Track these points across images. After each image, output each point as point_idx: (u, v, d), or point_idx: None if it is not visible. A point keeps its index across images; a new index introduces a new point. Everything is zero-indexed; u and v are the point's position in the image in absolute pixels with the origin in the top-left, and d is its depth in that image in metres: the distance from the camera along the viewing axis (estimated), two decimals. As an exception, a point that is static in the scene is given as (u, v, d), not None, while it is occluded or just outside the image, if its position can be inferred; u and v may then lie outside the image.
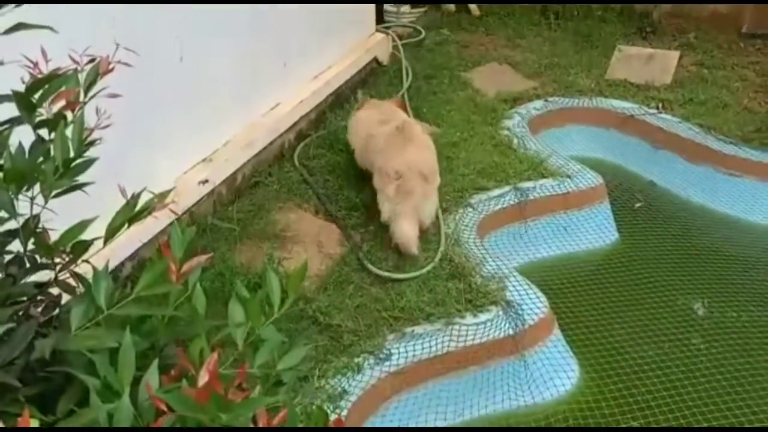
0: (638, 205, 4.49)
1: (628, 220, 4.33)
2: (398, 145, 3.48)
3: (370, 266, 3.29)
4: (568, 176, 4.15)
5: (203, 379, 0.93)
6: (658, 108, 4.91)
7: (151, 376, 1.05)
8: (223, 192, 3.58)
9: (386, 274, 3.26)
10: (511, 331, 3.07)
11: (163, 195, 1.25)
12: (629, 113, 4.89)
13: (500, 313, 3.10)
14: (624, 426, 2.97)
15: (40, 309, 1.31)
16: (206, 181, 3.37)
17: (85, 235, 1.25)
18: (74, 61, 1.28)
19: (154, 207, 1.23)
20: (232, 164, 3.59)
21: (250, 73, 3.79)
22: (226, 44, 3.53)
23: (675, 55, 5.55)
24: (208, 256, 1.29)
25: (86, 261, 1.22)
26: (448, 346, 2.96)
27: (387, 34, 5.57)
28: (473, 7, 6.59)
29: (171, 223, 3.02)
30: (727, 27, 5.95)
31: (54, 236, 1.28)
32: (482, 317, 3.07)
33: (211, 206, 3.48)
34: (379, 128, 3.67)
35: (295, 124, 4.18)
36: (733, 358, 3.30)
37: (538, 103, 5.03)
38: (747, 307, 3.62)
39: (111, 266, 2.69)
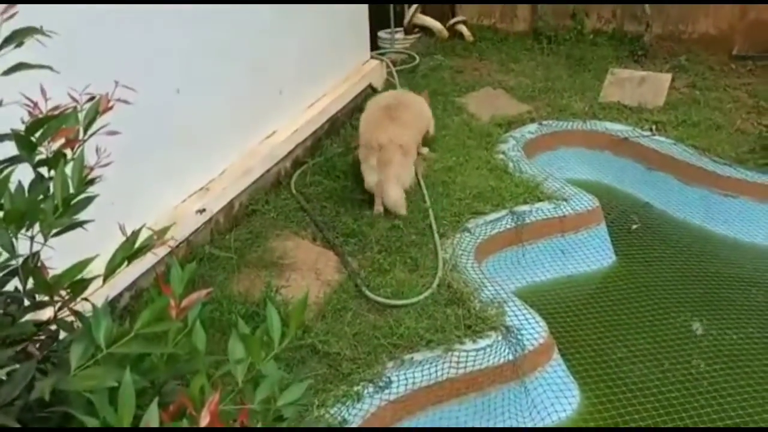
0: (635, 226, 4.51)
1: (625, 241, 4.34)
2: (383, 122, 4.03)
3: (368, 293, 3.29)
4: (564, 199, 4.16)
5: (205, 420, 0.93)
6: (651, 130, 4.95)
7: (151, 416, 1.04)
8: (221, 220, 3.58)
9: (384, 300, 3.25)
10: (510, 357, 3.06)
11: (162, 231, 1.25)
12: (623, 135, 4.93)
13: (500, 338, 3.09)
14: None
15: (38, 345, 1.30)
16: (203, 210, 3.37)
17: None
18: (74, 100, 1.29)
19: (153, 244, 1.23)
20: (229, 193, 3.60)
21: (247, 102, 3.82)
22: (222, 75, 3.56)
23: (667, 77, 5.61)
24: (207, 291, 1.29)
25: (85, 299, 1.22)
26: (448, 373, 2.95)
27: (381, 60, 5.62)
28: (466, 32, 6.67)
29: (169, 253, 3.04)
30: (717, 49, 6.03)
31: (53, 267, 1.28)
32: (482, 343, 3.06)
33: (208, 235, 3.48)
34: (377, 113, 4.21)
35: (291, 151, 4.21)
36: (733, 380, 3.29)
37: (533, 127, 5.07)
38: (746, 327, 3.62)
39: (109, 297, 2.69)
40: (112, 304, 2.86)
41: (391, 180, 3.82)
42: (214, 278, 3.21)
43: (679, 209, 4.55)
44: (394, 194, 3.83)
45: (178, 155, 3.30)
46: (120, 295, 2.89)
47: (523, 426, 3.07)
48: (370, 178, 3.88)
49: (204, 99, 3.43)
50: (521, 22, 6.79)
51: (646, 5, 6.00)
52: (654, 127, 4.98)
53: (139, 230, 1.26)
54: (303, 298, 1.27)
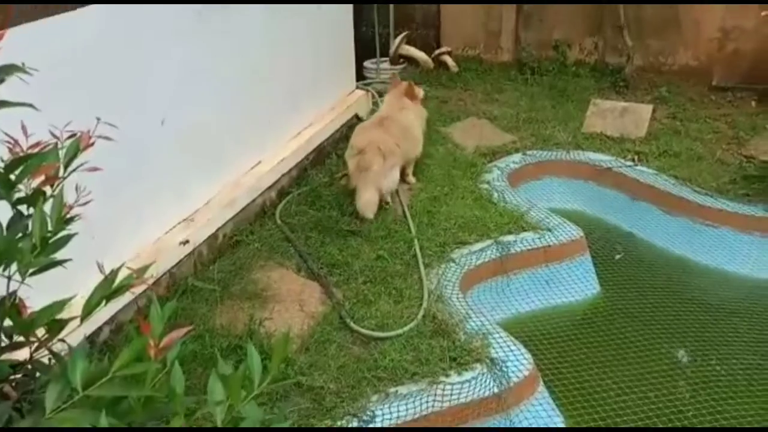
0: (618, 256, 4.53)
1: (609, 271, 4.35)
2: (370, 129, 4.33)
3: (352, 324, 3.27)
4: (549, 229, 4.18)
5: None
6: (634, 160, 5.01)
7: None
8: (204, 252, 3.55)
9: (369, 332, 3.23)
10: (496, 390, 3.04)
11: (141, 270, 1.23)
12: (606, 165, 4.98)
13: (485, 371, 3.07)
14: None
15: (14, 384, 1.28)
16: (187, 241, 3.35)
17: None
18: (54, 137, 1.28)
19: (132, 284, 1.21)
20: (213, 224, 3.59)
21: (232, 133, 3.83)
22: (207, 106, 3.57)
23: (648, 108, 5.70)
24: (187, 329, 1.28)
25: (62, 340, 1.20)
26: (433, 406, 2.92)
27: (367, 91, 5.67)
28: (451, 63, 6.76)
29: (150, 287, 3.01)
30: (697, 81, 6.15)
31: (30, 306, 1.27)
32: (467, 375, 3.04)
33: (191, 266, 3.45)
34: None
35: (276, 181, 4.20)
36: (719, 406, 3.28)
37: (517, 157, 5.11)
38: (730, 357, 3.62)
39: (88, 332, 2.65)
40: (91, 338, 2.82)
41: (368, 183, 4.02)
42: (196, 311, 3.17)
43: (662, 239, 4.58)
44: (365, 196, 4.03)
45: (162, 186, 3.29)
46: (99, 329, 2.84)
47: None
48: (351, 180, 4.13)
49: (189, 130, 3.43)
50: (505, 53, 6.90)
51: (627, 37, 6.12)
52: (636, 157, 5.04)
53: (118, 269, 1.25)
54: (284, 337, 1.26)
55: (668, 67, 6.40)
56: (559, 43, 6.65)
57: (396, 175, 4.25)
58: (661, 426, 3.18)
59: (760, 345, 3.70)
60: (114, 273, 1.23)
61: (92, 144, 1.32)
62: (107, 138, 1.39)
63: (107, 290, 1.19)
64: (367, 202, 4.04)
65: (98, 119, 1.36)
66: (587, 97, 5.99)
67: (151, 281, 1.30)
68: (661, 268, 4.40)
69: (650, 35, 6.34)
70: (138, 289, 1.46)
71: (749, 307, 4.02)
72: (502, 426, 3.06)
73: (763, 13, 5.28)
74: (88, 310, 1.19)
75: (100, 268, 1.24)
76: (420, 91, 4.96)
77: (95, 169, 1.34)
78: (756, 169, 4.76)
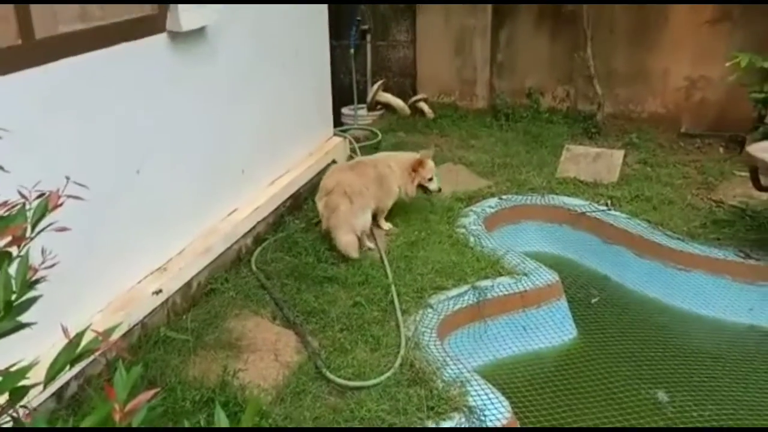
0: (595, 300, 4.55)
1: (585, 315, 4.37)
2: (339, 171, 4.47)
3: (328, 374, 3.22)
4: (525, 274, 4.20)
5: None
6: (607, 205, 5.09)
7: None
8: (178, 301, 3.51)
9: (345, 382, 3.18)
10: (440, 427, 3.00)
11: (107, 332, 1.22)
12: (580, 210, 5.05)
13: (462, 420, 3.03)
14: None
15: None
16: (160, 290, 3.31)
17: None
18: (23, 196, 1.28)
19: (97, 348, 1.19)
20: (187, 272, 3.55)
21: (208, 181, 3.83)
22: (183, 155, 3.58)
23: (620, 154, 5.82)
24: (154, 392, 1.26)
25: (24, 407, 1.17)
26: (411, 458, 2.87)
27: (345, 137, 5.72)
28: (427, 109, 6.87)
29: (125, 334, 2.95)
30: (666, 127, 6.33)
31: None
32: (444, 425, 3.00)
33: (164, 316, 3.40)
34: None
35: (252, 228, 4.19)
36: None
37: (493, 201, 5.17)
38: (708, 399, 3.63)
39: (55, 387, 2.59)
40: (59, 393, 2.75)
41: (339, 225, 4.13)
42: (168, 362, 3.11)
43: (636, 282, 4.63)
44: (342, 239, 4.12)
45: (136, 235, 3.26)
46: (67, 384, 2.77)
47: None
48: (323, 222, 4.24)
49: (164, 179, 3.43)
50: (480, 100, 7.04)
51: (597, 86, 6.28)
52: (609, 201, 5.13)
53: (83, 332, 1.23)
54: (254, 404, 1.24)
55: (638, 115, 6.58)
56: (532, 91, 6.82)
57: (367, 216, 4.32)
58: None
59: (734, 389, 3.71)
60: (79, 337, 1.21)
61: (61, 204, 1.31)
62: (77, 197, 1.38)
63: (71, 354, 1.17)
64: (347, 243, 4.11)
65: (67, 178, 1.36)
66: (561, 143, 6.11)
67: (119, 342, 1.28)
68: (637, 312, 4.43)
69: (620, 84, 6.53)
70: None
71: (723, 351, 4.05)
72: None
73: (727, 64, 5.46)
74: (52, 375, 1.17)
75: (65, 331, 1.22)
76: (428, 171, 4.73)
77: (63, 229, 1.33)
78: (725, 213, 4.86)
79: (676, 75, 6.32)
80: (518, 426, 3.23)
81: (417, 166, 4.65)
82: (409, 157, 4.73)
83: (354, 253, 4.14)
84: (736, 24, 5.89)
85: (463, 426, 3.00)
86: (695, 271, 4.44)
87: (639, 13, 6.30)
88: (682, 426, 3.40)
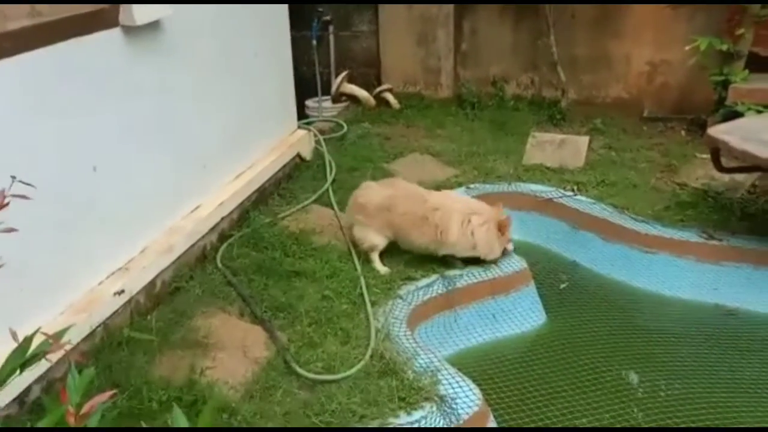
0: (563, 285, 4.58)
1: (555, 300, 4.39)
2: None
3: (297, 368, 3.18)
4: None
5: None
6: (573, 190, 5.12)
7: None
8: (141, 300, 3.43)
9: (315, 376, 3.15)
10: (445, 428, 3.00)
11: (58, 335, 1.17)
12: (548, 196, 5.08)
13: (434, 409, 3.02)
14: None
15: None
16: (122, 291, 3.23)
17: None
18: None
19: (47, 350, 1.15)
20: (150, 271, 3.47)
21: (169, 178, 3.74)
22: (142, 151, 3.49)
23: (585, 139, 5.86)
24: (110, 394, 1.22)
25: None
26: (382, 449, 2.85)
27: (309, 130, 5.67)
28: (392, 100, 6.84)
29: (87, 336, 2.88)
30: (629, 112, 6.39)
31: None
32: (416, 415, 2.98)
33: (128, 317, 3.32)
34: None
35: (216, 224, 4.12)
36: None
37: (460, 190, 5.16)
38: (676, 377, 3.68)
39: (17, 392, 2.52)
40: (21, 398, 2.68)
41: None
42: (133, 363, 3.04)
43: (604, 266, 4.66)
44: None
45: (95, 235, 3.17)
46: (29, 388, 2.69)
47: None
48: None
49: (123, 176, 3.34)
50: (445, 89, 7.03)
51: (561, 73, 6.31)
52: (576, 187, 5.16)
53: (32, 336, 1.18)
54: (213, 402, 1.20)
55: (602, 100, 6.63)
56: (496, 79, 6.83)
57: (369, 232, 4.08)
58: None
59: (701, 367, 3.78)
60: (28, 340, 1.16)
61: (6, 204, 1.26)
62: (23, 197, 1.32)
63: (20, 359, 1.12)
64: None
65: (13, 178, 1.30)
66: (526, 130, 6.12)
67: (68, 347, 1.23)
68: (605, 295, 4.46)
69: (583, 70, 6.56)
70: (73, 338, 1.39)
71: (690, 331, 4.11)
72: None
73: (687, 48, 5.53)
74: (2, 379, 1.12)
75: (14, 335, 1.17)
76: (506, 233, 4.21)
77: (11, 230, 1.28)
78: (688, 195, 4.92)
79: (637, 60, 6.39)
80: (490, 413, 3.23)
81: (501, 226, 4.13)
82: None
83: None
84: (695, 8, 5.96)
85: (433, 413, 3.00)
86: (661, 253, 4.49)
87: (600, -1, 6.34)
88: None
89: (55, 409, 1.14)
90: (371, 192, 4.16)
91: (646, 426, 3.34)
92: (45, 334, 1.21)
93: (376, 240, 4.08)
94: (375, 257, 4.11)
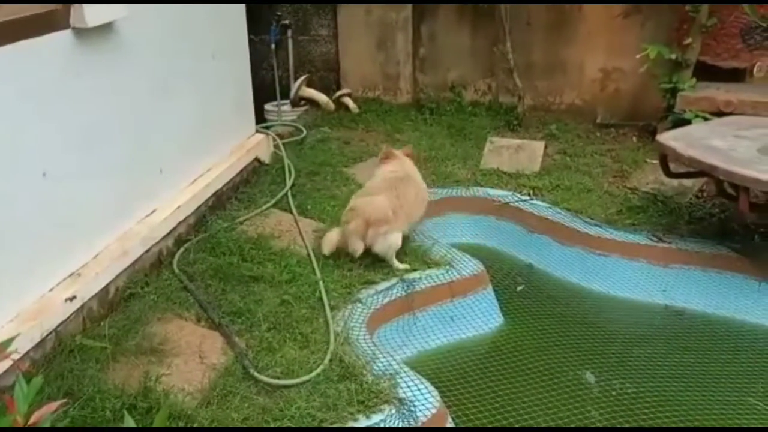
0: (520, 288, 4.66)
1: (511, 303, 4.47)
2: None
3: (256, 374, 3.16)
4: (451, 265, 4.26)
5: None
6: (529, 194, 5.21)
7: None
8: (94, 307, 3.36)
9: (273, 381, 3.13)
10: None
11: (5, 343, 1.14)
12: (504, 200, 5.16)
13: (393, 412, 3.04)
14: None
15: None
16: (74, 297, 3.15)
17: None
18: None
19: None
20: (103, 277, 3.40)
21: (123, 182, 3.67)
22: (94, 155, 3.42)
23: (540, 144, 5.98)
24: (59, 403, 1.20)
25: None
26: (342, 453, 2.85)
27: (268, 134, 5.64)
28: (352, 104, 6.85)
29: (38, 344, 2.81)
30: (583, 118, 6.55)
31: None
32: (375, 418, 2.99)
33: (80, 324, 3.25)
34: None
35: (173, 229, 4.06)
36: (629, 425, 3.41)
37: (418, 195, 5.19)
38: (628, 376, 3.77)
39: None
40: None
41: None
42: (85, 371, 2.97)
43: (559, 269, 4.76)
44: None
45: (45, 241, 3.09)
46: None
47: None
48: None
49: (73, 181, 3.27)
50: (404, 94, 7.08)
51: (517, 79, 6.42)
52: (532, 191, 5.26)
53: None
54: (165, 409, 1.19)
55: (557, 106, 6.78)
56: (455, 85, 6.92)
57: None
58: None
59: (651, 364, 3.89)
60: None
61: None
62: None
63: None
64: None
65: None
66: (484, 135, 6.21)
67: (15, 356, 1.21)
68: (560, 297, 4.56)
69: (539, 77, 6.70)
70: (22, 345, 1.36)
71: (641, 330, 4.24)
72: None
73: (637, 56, 5.69)
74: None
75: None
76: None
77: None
78: (639, 200, 5.07)
79: (591, 67, 6.55)
80: (448, 415, 3.26)
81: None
82: None
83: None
84: (645, 17, 6.14)
85: (392, 415, 3.01)
86: (613, 256, 4.61)
87: (554, 7, 6.47)
88: (645, 422, 3.48)
89: (2, 419, 1.12)
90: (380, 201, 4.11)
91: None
92: (-11, 341, 1.19)
93: (400, 240, 4.15)
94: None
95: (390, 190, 4.19)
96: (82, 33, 3.22)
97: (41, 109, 3.02)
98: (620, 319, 4.37)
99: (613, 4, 6.12)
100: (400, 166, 4.49)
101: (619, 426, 3.42)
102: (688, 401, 3.58)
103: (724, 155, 4.13)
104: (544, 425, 3.42)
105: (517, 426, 3.42)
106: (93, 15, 3.19)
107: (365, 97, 7.12)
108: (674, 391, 3.66)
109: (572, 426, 3.42)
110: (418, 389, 3.22)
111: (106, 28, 3.38)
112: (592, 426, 3.41)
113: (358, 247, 4.06)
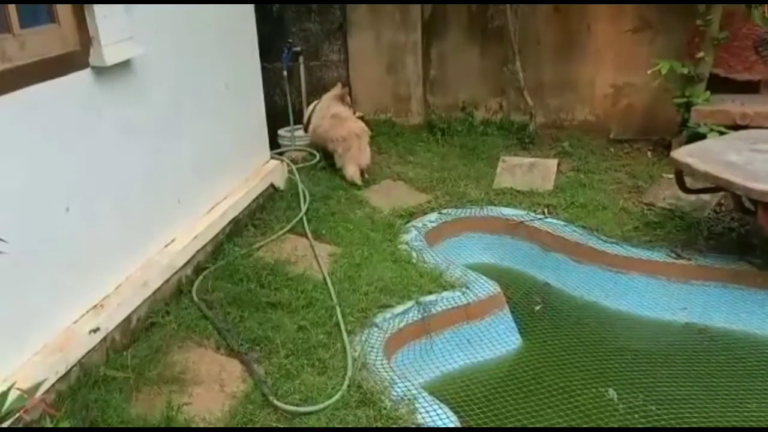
0: (537, 307, 4.65)
1: (529, 323, 4.45)
2: (338, 124, 5.96)
3: (275, 401, 3.18)
4: (467, 287, 4.26)
5: None
6: (544, 213, 5.21)
7: None
8: (117, 338, 3.41)
9: (292, 408, 3.15)
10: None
11: (32, 390, 1.18)
12: (519, 219, 5.16)
13: (412, 439, 3.05)
14: None
15: None
16: (97, 329, 3.20)
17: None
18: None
19: (22, 406, 1.16)
20: (125, 308, 3.45)
21: (142, 214, 3.73)
22: (114, 189, 3.48)
23: (554, 162, 5.99)
24: (41, 397, 1.23)
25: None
26: (362, 481, 2.86)
27: (282, 160, 5.70)
28: (364, 129, 6.90)
29: (63, 376, 2.85)
30: (596, 134, 6.55)
31: None
32: (394, 445, 3.00)
33: (103, 354, 3.30)
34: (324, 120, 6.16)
35: (191, 258, 4.11)
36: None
37: (433, 216, 5.24)
38: (650, 395, 3.73)
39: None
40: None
41: (349, 161, 5.84)
42: (109, 402, 3.01)
43: (576, 287, 4.75)
44: (350, 171, 5.80)
45: (69, 274, 3.15)
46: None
47: None
48: (338, 162, 5.96)
49: (95, 215, 3.33)
50: (416, 116, 7.13)
51: (528, 97, 6.45)
52: (546, 210, 5.25)
53: (8, 391, 1.19)
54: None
55: (569, 123, 6.79)
56: (465, 105, 6.96)
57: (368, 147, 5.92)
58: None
59: (673, 384, 3.85)
60: (4, 395, 1.17)
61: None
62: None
63: (-6, 413, 1.13)
64: (352, 175, 5.78)
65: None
66: (496, 154, 6.24)
67: (44, 398, 1.25)
68: (578, 316, 4.54)
69: (549, 94, 6.73)
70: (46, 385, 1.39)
71: (661, 349, 4.19)
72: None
73: (649, 72, 5.70)
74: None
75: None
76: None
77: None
78: (656, 215, 5.04)
79: (602, 83, 6.56)
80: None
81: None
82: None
83: (358, 181, 5.74)
84: (656, 32, 6.16)
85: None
86: (631, 273, 4.58)
87: (562, 25, 6.51)
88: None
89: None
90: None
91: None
92: (19, 389, 1.22)
93: None
94: None
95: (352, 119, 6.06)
96: (101, 71, 3.30)
97: (63, 145, 3.10)
98: (640, 338, 4.33)
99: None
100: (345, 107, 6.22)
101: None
102: (712, 420, 3.54)
103: (741, 170, 4.09)
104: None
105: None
106: (111, 54, 3.28)
107: (377, 119, 7.17)
108: (698, 411, 3.61)
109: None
110: (437, 414, 3.21)
111: (124, 66, 3.46)
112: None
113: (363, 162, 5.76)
